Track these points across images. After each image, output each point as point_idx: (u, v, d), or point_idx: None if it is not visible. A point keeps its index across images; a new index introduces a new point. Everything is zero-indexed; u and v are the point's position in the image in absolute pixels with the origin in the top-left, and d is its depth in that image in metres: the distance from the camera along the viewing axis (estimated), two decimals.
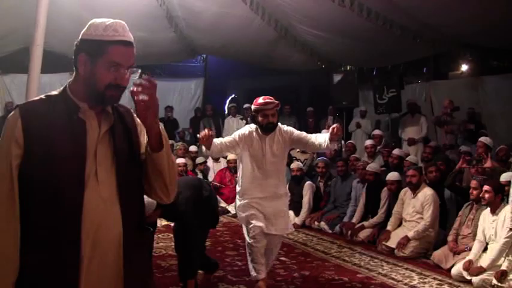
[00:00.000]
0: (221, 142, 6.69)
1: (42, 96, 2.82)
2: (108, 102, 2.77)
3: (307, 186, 11.59)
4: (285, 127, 6.98)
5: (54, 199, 2.61)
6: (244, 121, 16.28)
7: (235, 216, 12.16)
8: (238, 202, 7.03)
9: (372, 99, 15.40)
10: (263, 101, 6.69)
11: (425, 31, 12.20)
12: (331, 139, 6.57)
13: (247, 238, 6.85)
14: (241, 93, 20.34)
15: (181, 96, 18.61)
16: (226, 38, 14.68)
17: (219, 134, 17.11)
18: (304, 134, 6.95)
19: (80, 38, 2.77)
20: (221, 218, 11.82)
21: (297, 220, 11.45)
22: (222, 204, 12.88)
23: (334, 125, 6.52)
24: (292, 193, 11.52)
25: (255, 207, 6.78)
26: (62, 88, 2.83)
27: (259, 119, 6.65)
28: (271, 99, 6.76)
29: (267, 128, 6.67)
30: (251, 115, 6.96)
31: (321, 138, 6.69)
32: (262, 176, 6.79)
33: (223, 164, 14.07)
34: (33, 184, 2.62)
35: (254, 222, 6.69)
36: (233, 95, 20.29)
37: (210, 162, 14.52)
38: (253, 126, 6.85)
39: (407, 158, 10.89)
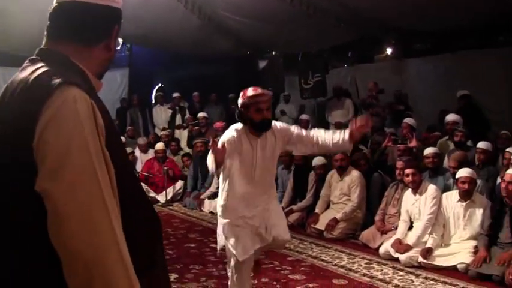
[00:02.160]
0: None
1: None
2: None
3: None
4: (278, 123, 5.55)
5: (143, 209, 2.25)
6: (171, 111, 16.20)
7: (164, 205, 12.15)
8: (220, 220, 5.52)
9: (297, 84, 15.51)
10: (254, 92, 5.21)
11: (348, 15, 12.31)
12: (355, 134, 5.27)
13: (231, 261, 5.47)
14: (168, 82, 20.17)
15: (106, 86, 18.26)
16: (150, 27, 14.50)
17: (146, 124, 17.01)
18: (305, 132, 5.51)
19: (103, 3, 2.21)
20: None
21: None
22: (152, 194, 12.81)
23: (361, 117, 5.41)
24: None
25: (240, 226, 5.36)
26: (66, 64, 2.10)
27: (252, 115, 5.17)
28: (262, 89, 5.38)
29: (262, 127, 5.24)
30: (238, 112, 5.34)
31: (332, 140, 5.33)
32: (251, 191, 5.34)
33: (151, 154, 13.96)
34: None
35: (242, 254, 5.31)
36: (160, 84, 20.12)
37: (137, 153, 14.40)
38: (239, 126, 5.33)
39: None
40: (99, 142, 1.89)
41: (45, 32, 2.20)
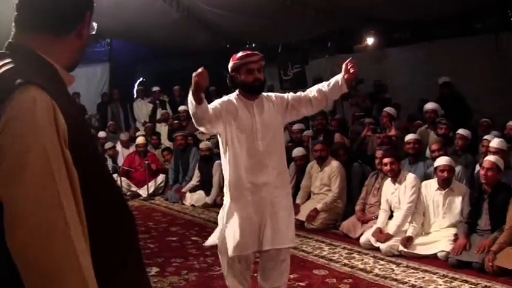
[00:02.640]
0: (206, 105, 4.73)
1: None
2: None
3: (217, 165, 11.54)
4: (270, 93, 5.30)
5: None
6: (152, 105, 16.17)
7: (146, 199, 12.12)
8: (224, 210, 5.03)
9: (277, 75, 15.52)
10: (244, 53, 4.99)
11: (328, 6, 12.30)
12: (348, 78, 5.05)
13: (225, 256, 5.13)
14: (149, 76, 20.13)
15: (87, 82, 18.24)
16: (129, 21, 14.44)
17: (127, 118, 16.96)
18: (299, 93, 5.24)
19: None
20: (133, 202, 11.81)
21: (208, 199, 11.45)
22: (133, 188, 12.82)
23: (348, 60, 5.10)
24: (201, 173, 11.57)
25: (244, 217, 4.86)
26: (32, 60, 2.01)
27: (242, 77, 4.91)
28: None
29: (254, 88, 4.95)
30: (228, 77, 5.09)
31: (327, 86, 5.10)
32: (256, 162, 4.90)
33: (132, 149, 13.92)
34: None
35: (236, 249, 4.88)
36: (141, 78, 20.06)
37: (118, 147, 14.36)
38: (232, 94, 5.07)
39: (304, 133, 11.13)
40: (60, 145, 1.79)
41: (13, 24, 2.07)
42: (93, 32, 2.25)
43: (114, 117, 16.84)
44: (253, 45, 16.96)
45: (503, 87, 12.17)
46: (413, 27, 13.98)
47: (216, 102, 4.89)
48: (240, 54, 4.96)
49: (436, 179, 7.67)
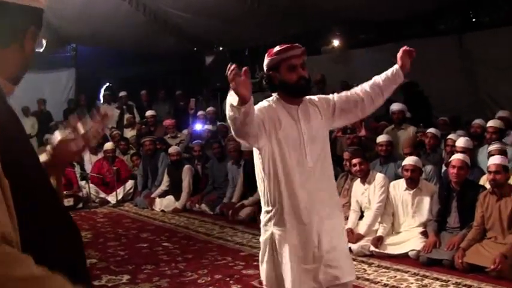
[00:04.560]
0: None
1: None
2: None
3: (186, 169, 11.55)
4: (312, 96, 4.23)
5: None
6: (119, 110, 16.08)
7: (115, 206, 12.05)
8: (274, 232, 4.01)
9: None
10: (282, 46, 3.97)
11: (294, 8, 12.34)
12: (403, 64, 4.33)
13: None
14: (116, 81, 19.99)
15: (53, 88, 18.07)
16: (95, 26, 14.36)
17: None
18: (344, 92, 4.29)
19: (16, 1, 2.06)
20: (102, 209, 11.73)
21: (178, 204, 11.43)
22: (102, 194, 12.73)
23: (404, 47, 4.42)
24: (171, 177, 11.54)
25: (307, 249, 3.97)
26: None
27: (284, 76, 3.95)
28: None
29: (299, 88, 4.00)
30: (265, 77, 4.07)
31: (380, 78, 4.27)
32: (306, 181, 3.96)
33: (100, 155, 13.81)
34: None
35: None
36: (108, 84, 19.94)
37: (86, 154, 14.24)
38: (270, 98, 4.09)
39: None
40: None
41: None
42: (41, 49, 2.23)
43: None
44: (220, 48, 16.99)
45: (467, 87, 12.33)
46: (379, 28, 14.11)
47: (258, 108, 3.90)
48: (277, 48, 3.97)
49: (404, 179, 7.73)
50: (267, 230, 4.04)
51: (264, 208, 4.09)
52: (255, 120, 3.69)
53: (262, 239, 4.14)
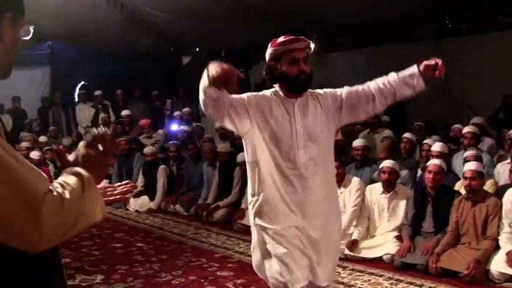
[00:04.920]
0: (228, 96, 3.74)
1: None
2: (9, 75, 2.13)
3: (161, 170, 11.52)
4: (318, 90, 4.18)
5: None
6: (94, 109, 15.99)
7: None
8: (255, 230, 4.06)
9: None
10: (286, 38, 3.82)
11: (271, 10, 12.34)
12: (425, 75, 4.10)
13: None
14: (92, 79, 19.83)
15: (27, 85, 17.91)
16: (72, 24, 14.24)
17: (69, 123, 16.73)
18: (355, 87, 4.14)
19: None
20: None
21: (152, 204, 11.39)
22: None
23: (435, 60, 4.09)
24: (146, 177, 11.49)
25: (291, 241, 3.88)
26: None
27: (284, 67, 3.84)
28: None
29: (299, 83, 3.90)
30: (266, 67, 4.00)
31: (396, 77, 4.13)
32: (294, 176, 3.87)
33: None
34: None
35: (293, 277, 3.87)
36: (83, 82, 19.79)
37: None
38: (270, 90, 4.03)
39: None
40: None
41: None
42: (27, 37, 2.10)
43: (55, 122, 16.61)
44: (197, 48, 16.95)
45: (443, 92, 12.40)
46: (357, 32, 14.14)
47: (246, 94, 3.90)
48: (281, 39, 3.82)
49: (380, 182, 7.75)
50: (256, 221, 3.98)
51: (249, 198, 4.05)
52: (230, 101, 3.70)
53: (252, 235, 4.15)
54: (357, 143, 9.09)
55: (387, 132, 10.06)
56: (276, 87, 3.97)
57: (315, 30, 14.11)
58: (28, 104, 17.01)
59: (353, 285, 6.45)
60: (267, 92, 3.97)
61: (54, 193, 1.76)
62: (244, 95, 3.84)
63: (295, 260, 3.86)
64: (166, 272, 7.17)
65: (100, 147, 2.13)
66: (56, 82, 18.25)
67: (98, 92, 16.39)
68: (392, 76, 4.07)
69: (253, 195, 3.98)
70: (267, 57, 3.95)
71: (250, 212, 4.05)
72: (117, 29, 14.28)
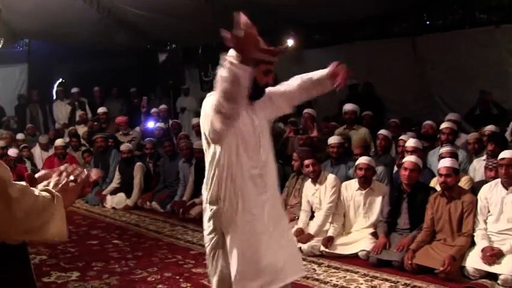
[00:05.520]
0: None
1: None
2: None
3: (138, 167, 11.48)
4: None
5: None
6: (71, 106, 15.91)
7: None
8: (208, 235, 4.12)
9: (198, 77, 15.57)
10: (268, 48, 3.49)
11: (248, 7, 12.32)
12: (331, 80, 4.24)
13: None
14: (70, 77, 19.72)
15: (4, 83, 17.78)
16: (49, 21, 14.16)
17: (46, 120, 16.64)
18: (285, 86, 4.29)
19: None
20: None
21: (129, 201, 11.35)
22: None
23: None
24: (122, 175, 11.46)
25: (263, 247, 3.97)
26: None
27: (258, 75, 3.82)
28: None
29: (262, 91, 4.00)
30: None
31: (313, 78, 4.30)
32: (261, 175, 4.00)
33: (51, 151, 13.64)
34: None
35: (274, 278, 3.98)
36: (61, 79, 19.68)
37: (37, 150, 14.07)
38: None
39: None
40: None
41: None
42: None
43: (32, 119, 16.54)
44: (174, 45, 16.90)
45: (420, 89, 12.46)
46: (333, 29, 14.17)
47: None
48: (267, 46, 3.48)
49: (356, 179, 7.77)
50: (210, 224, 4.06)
51: (205, 198, 4.09)
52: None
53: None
54: (332, 140, 9.08)
55: (363, 129, 10.08)
56: None
57: (291, 27, 14.16)
58: (5, 101, 16.90)
59: (328, 282, 6.46)
60: None
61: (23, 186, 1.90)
62: None
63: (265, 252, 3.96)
64: (142, 269, 7.15)
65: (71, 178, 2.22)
66: (33, 79, 18.13)
67: (75, 90, 16.31)
68: (311, 76, 4.25)
69: (220, 201, 3.98)
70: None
71: (207, 212, 4.08)
72: (93, 26, 14.24)
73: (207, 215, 4.09)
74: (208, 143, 3.90)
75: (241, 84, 3.32)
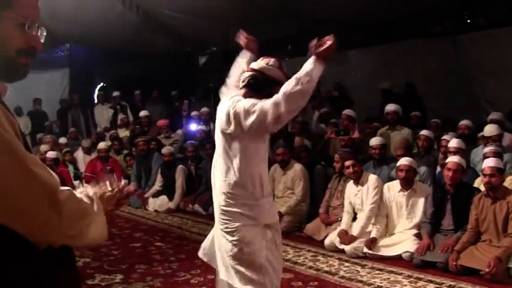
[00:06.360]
0: None
1: None
2: (22, 74, 2.06)
3: (179, 170, 11.53)
4: None
5: None
6: (113, 110, 16.04)
7: None
8: (248, 232, 4.14)
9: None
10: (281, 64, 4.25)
11: (286, 9, 12.33)
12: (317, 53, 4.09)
13: None
14: (110, 81, 19.91)
15: (47, 88, 17.99)
16: (88, 26, 14.29)
17: (88, 124, 16.80)
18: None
19: None
20: None
21: (171, 204, 11.41)
22: None
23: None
24: (164, 177, 11.51)
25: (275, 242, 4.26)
26: None
27: (274, 93, 3.92)
28: None
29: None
30: (265, 81, 4.14)
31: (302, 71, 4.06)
32: (264, 168, 4.31)
33: (94, 155, 13.77)
34: None
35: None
36: (102, 84, 19.88)
37: (80, 154, 14.21)
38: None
39: None
40: None
41: None
42: (35, 32, 2.06)
43: (74, 124, 16.70)
44: (213, 48, 16.96)
45: (460, 89, 12.32)
46: (373, 29, 14.08)
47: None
48: (278, 63, 4.25)
49: (398, 180, 7.71)
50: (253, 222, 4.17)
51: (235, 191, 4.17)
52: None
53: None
54: (374, 141, 9.05)
55: (406, 130, 9.99)
56: (242, 91, 4.21)
57: (331, 28, 14.10)
58: (48, 106, 17.11)
59: (372, 284, 6.42)
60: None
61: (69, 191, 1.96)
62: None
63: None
64: (185, 271, 7.17)
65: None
66: (74, 84, 18.34)
67: (116, 93, 16.41)
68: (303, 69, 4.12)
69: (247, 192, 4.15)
70: (273, 75, 4.16)
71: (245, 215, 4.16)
72: (132, 30, 14.32)
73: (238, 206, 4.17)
74: (234, 138, 4.08)
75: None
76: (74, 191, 2.00)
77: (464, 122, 9.52)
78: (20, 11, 1.97)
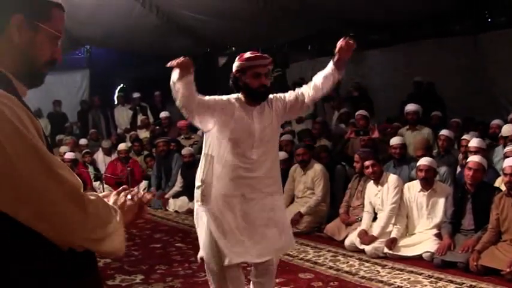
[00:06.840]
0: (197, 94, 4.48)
1: None
2: (41, 82, 2.11)
3: None
4: (276, 95, 4.80)
5: None
6: (133, 111, 16.10)
7: None
8: (197, 207, 4.89)
9: None
10: (252, 54, 4.51)
11: (306, 9, 12.32)
12: (338, 60, 4.65)
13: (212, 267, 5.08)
14: (130, 82, 20.01)
15: (67, 89, 18.12)
16: (108, 28, 14.38)
17: (109, 125, 16.88)
18: (290, 92, 4.82)
19: None
20: None
21: (191, 205, 11.36)
22: None
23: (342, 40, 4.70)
24: (184, 178, 11.52)
25: (228, 216, 4.66)
26: None
27: (247, 80, 4.44)
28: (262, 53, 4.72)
29: (258, 94, 4.53)
30: (232, 77, 4.56)
31: (321, 76, 4.69)
32: (248, 170, 4.58)
33: (114, 156, 13.83)
34: None
35: (230, 254, 4.76)
36: (122, 85, 19.97)
37: (100, 155, 14.28)
38: (233, 95, 4.63)
39: (282, 137, 11.10)
40: None
41: None
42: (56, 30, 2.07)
43: (95, 125, 16.79)
44: (233, 49, 16.98)
45: (481, 88, 12.26)
46: (392, 29, 14.05)
47: (213, 97, 4.54)
48: (248, 54, 4.50)
49: (418, 180, 7.69)
50: (200, 201, 4.74)
51: (197, 184, 4.72)
52: (200, 100, 4.42)
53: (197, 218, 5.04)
54: (395, 141, 9.02)
55: (426, 130, 9.95)
56: (239, 94, 4.61)
57: (350, 28, 14.09)
58: (68, 107, 17.22)
59: (392, 284, 6.41)
60: (232, 97, 4.59)
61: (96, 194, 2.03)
62: (211, 97, 4.52)
63: (231, 236, 4.69)
64: (205, 271, 7.17)
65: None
66: (94, 85, 18.47)
67: (136, 95, 16.47)
68: (317, 81, 4.70)
69: (202, 183, 4.65)
70: (234, 69, 4.56)
71: (197, 196, 4.75)
72: (152, 31, 14.38)
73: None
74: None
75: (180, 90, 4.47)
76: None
77: (495, 122, 9.50)
78: (55, 25, 2.04)
